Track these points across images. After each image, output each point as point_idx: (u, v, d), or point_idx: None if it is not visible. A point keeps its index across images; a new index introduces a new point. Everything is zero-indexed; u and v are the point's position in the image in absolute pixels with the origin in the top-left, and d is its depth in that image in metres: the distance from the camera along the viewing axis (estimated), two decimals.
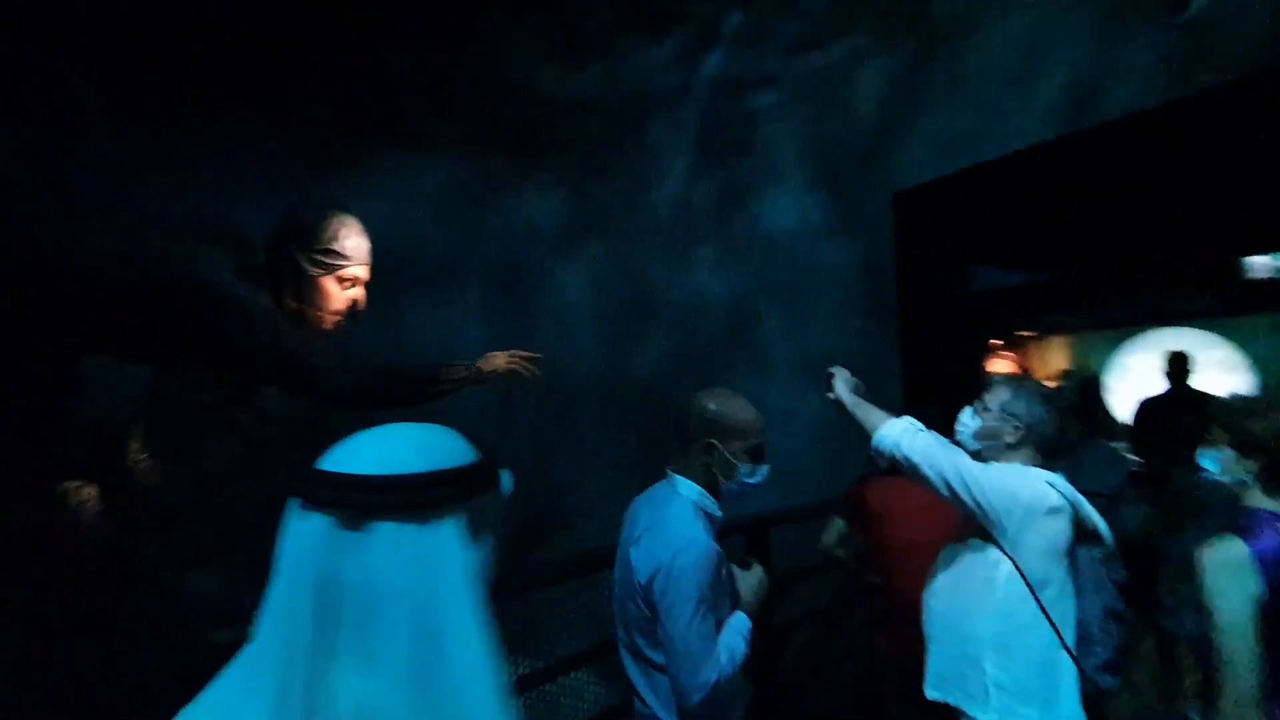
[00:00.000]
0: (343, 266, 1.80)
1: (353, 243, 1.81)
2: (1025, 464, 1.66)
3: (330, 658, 0.66)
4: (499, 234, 3.35)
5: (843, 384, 1.79)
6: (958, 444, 1.72)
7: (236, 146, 2.27)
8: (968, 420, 1.75)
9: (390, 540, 0.68)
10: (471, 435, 0.76)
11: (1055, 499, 1.57)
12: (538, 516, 3.13)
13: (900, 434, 1.68)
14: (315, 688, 0.65)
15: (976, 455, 1.70)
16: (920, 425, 1.72)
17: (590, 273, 3.55)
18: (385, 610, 0.67)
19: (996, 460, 1.69)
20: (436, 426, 0.76)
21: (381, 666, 0.66)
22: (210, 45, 2.52)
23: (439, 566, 0.68)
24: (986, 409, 1.72)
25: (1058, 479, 1.62)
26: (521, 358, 1.93)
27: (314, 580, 0.68)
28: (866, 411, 1.74)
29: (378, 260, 1.85)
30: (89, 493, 1.81)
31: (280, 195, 1.86)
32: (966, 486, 1.60)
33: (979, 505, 1.59)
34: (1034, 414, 1.68)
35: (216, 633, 2.33)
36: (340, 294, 1.82)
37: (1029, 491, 1.57)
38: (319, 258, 1.77)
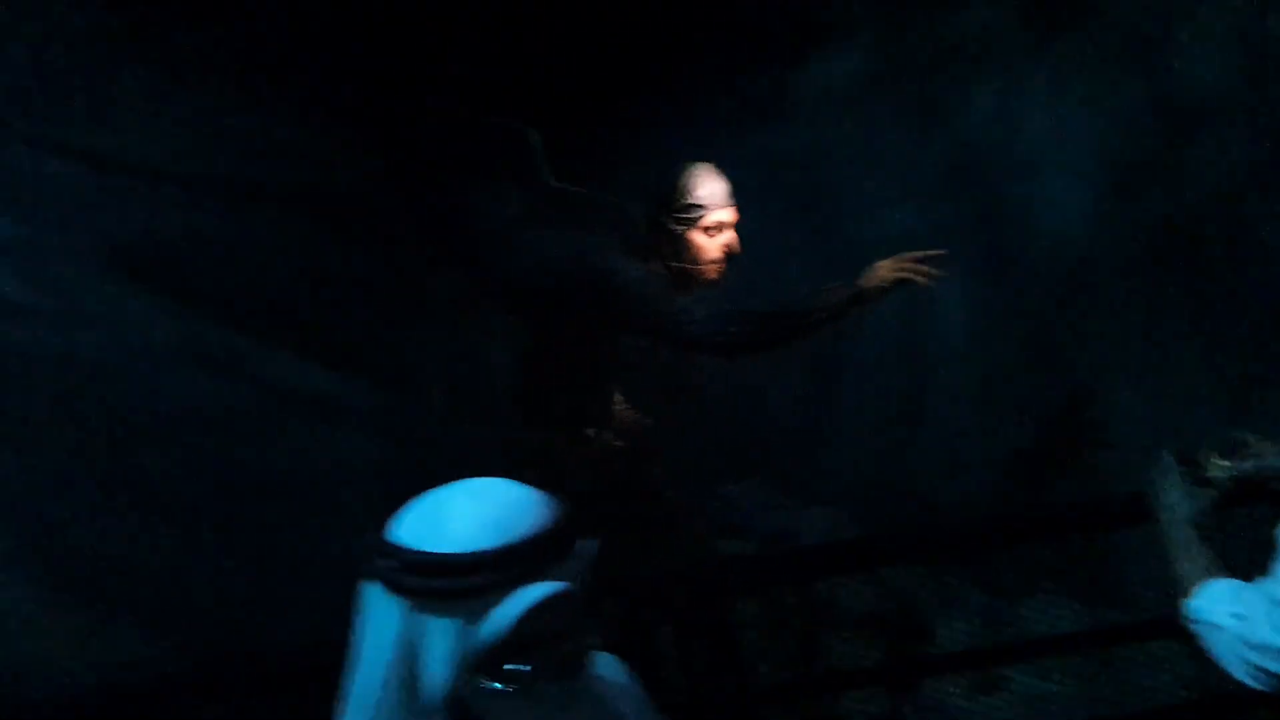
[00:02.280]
0: (703, 216, 1.79)
1: (706, 191, 1.78)
2: None
3: None
4: None
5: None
6: None
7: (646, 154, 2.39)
8: None
9: (410, 626, 0.66)
10: (547, 495, 0.70)
11: None
12: (1051, 436, 2.42)
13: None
14: None
15: None
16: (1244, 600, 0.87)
17: None
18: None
19: None
20: (509, 484, 0.70)
21: None
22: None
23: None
24: None
25: None
26: (912, 259, 1.58)
27: (397, 671, 0.67)
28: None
29: None
30: (602, 434, 2.28)
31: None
32: None
33: None
34: None
35: (719, 541, 2.72)
36: (711, 243, 1.82)
37: None
38: (679, 215, 1.80)
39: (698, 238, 1.81)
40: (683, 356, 2.07)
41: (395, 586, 0.66)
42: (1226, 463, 0.88)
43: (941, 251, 1.57)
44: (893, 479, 2.91)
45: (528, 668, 0.66)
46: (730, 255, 1.84)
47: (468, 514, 0.68)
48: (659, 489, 2.37)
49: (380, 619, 0.67)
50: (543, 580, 0.66)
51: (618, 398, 2.22)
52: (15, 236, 1.96)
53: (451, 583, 0.65)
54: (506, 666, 0.65)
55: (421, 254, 2.50)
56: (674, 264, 1.85)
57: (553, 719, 0.69)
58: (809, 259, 2.53)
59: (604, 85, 2.84)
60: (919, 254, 1.58)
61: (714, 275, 1.87)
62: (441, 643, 0.65)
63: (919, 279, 1.56)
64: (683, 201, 1.79)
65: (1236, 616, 0.89)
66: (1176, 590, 0.92)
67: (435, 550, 0.66)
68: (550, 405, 2.25)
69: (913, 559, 2.19)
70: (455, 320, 2.60)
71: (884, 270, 1.60)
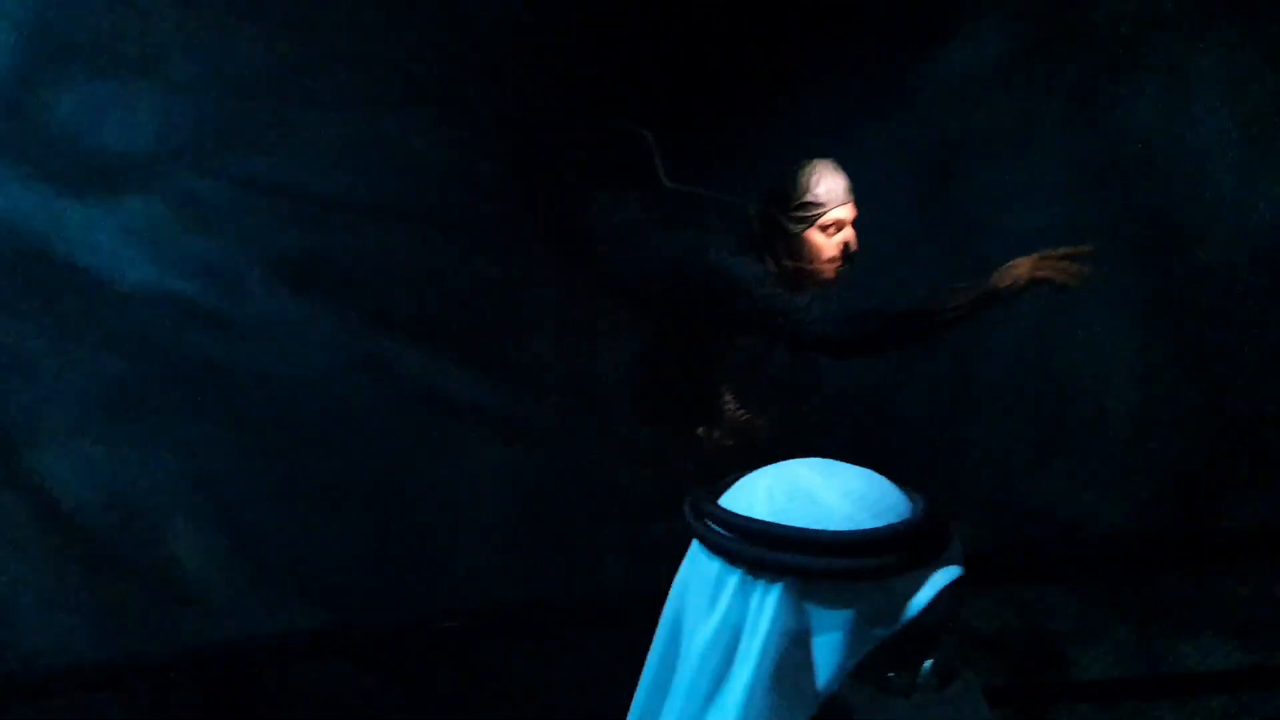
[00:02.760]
0: (820, 214, 1.74)
1: (824, 188, 1.73)
2: None
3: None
4: None
5: None
6: None
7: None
8: None
9: (793, 612, 0.57)
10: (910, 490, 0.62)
11: None
12: (1223, 457, 2.13)
13: None
14: None
15: None
16: None
17: None
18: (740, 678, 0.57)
19: None
20: (867, 472, 0.62)
21: None
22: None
23: (824, 646, 0.56)
24: None
25: None
26: (1055, 258, 1.47)
27: (684, 627, 0.61)
28: None
29: None
30: (713, 433, 2.28)
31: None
32: None
33: None
34: None
35: None
36: (829, 242, 1.77)
37: None
38: (796, 214, 1.76)
39: (815, 236, 1.77)
40: (799, 357, 2.02)
41: (768, 568, 0.57)
42: None
43: (1088, 249, 1.44)
44: (1025, 497, 2.71)
45: (928, 663, 0.59)
46: (849, 254, 1.78)
47: (839, 492, 0.59)
48: None
49: (737, 604, 0.58)
50: (929, 568, 0.57)
51: (729, 398, 2.21)
52: (202, 255, 2.23)
53: (855, 563, 0.56)
54: (889, 674, 0.59)
55: (545, 258, 2.59)
56: (790, 263, 1.82)
57: None
58: (938, 255, 2.39)
59: (727, 82, 2.82)
60: (1063, 250, 1.46)
61: (831, 274, 1.81)
62: (831, 631, 0.57)
63: (1064, 278, 1.44)
64: (800, 199, 1.75)
65: None
66: None
67: (820, 528, 0.57)
68: (663, 404, 2.28)
69: (1043, 577, 2.02)
70: (577, 322, 2.68)
71: (1022, 268, 1.49)
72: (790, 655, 0.57)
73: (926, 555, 0.58)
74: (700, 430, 2.26)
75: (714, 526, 0.60)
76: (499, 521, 2.55)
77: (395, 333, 2.50)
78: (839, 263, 1.80)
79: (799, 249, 1.79)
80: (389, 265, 2.47)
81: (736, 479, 0.65)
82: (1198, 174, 2.28)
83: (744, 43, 2.81)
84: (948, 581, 0.57)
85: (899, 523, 0.58)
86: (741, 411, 2.26)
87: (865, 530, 0.57)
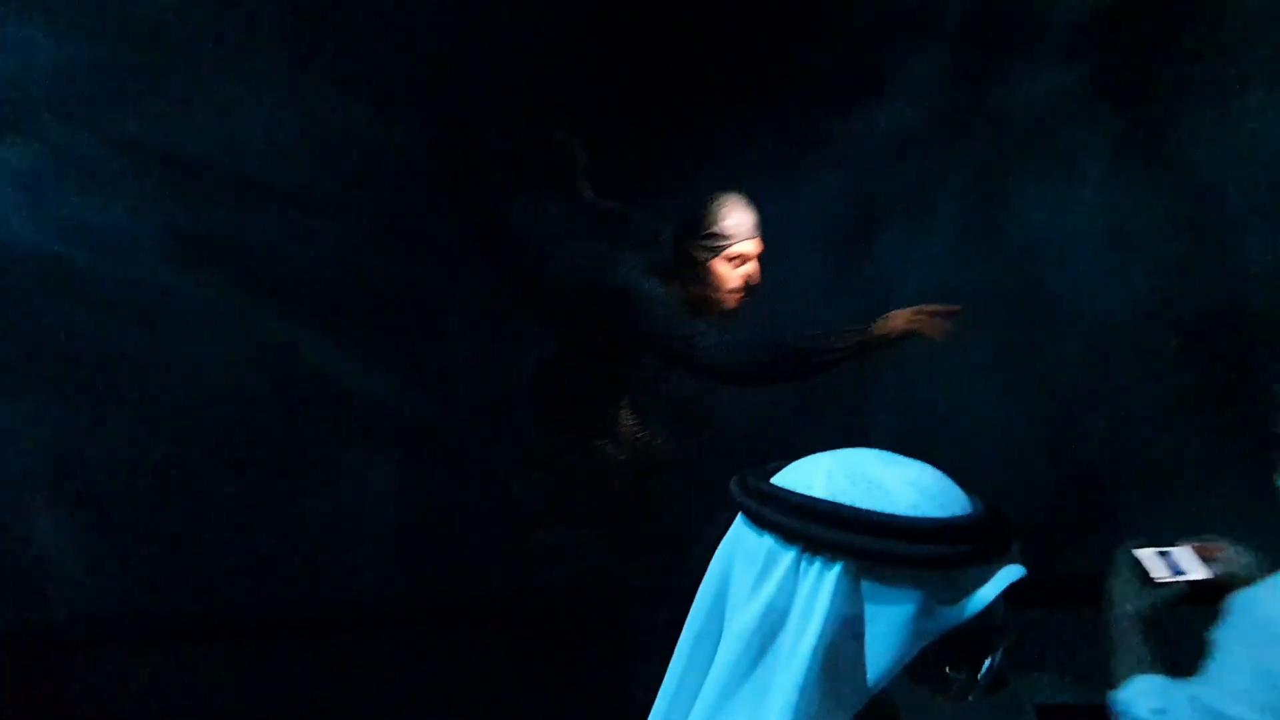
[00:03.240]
0: (727, 246, 1.82)
1: (732, 221, 1.81)
2: None
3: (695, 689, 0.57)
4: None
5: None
6: None
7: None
8: None
9: (850, 595, 0.53)
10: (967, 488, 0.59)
11: None
12: (1059, 513, 2.37)
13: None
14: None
15: None
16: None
17: None
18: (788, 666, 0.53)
19: None
20: (931, 466, 0.60)
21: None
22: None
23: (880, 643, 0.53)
24: None
25: None
26: (929, 313, 1.59)
27: (728, 605, 0.57)
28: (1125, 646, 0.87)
29: None
30: (609, 447, 2.31)
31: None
32: None
33: None
34: None
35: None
36: (733, 273, 1.85)
37: None
38: (704, 243, 1.83)
39: (720, 266, 1.85)
40: (697, 382, 2.10)
41: (828, 546, 0.54)
42: (1170, 574, 0.87)
43: (957, 308, 1.58)
44: None
45: (988, 660, 0.56)
46: (751, 286, 1.87)
47: (904, 480, 0.56)
48: (659, 508, 2.40)
49: (788, 583, 0.54)
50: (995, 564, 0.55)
51: (626, 414, 2.26)
52: (85, 219, 2.09)
53: (925, 549, 0.53)
54: (948, 671, 0.56)
55: (467, 260, 2.58)
56: (695, 289, 1.89)
57: None
58: (837, 302, 2.53)
59: (665, 110, 2.90)
60: (936, 307, 1.59)
61: (733, 304, 1.90)
62: (889, 620, 0.54)
63: (933, 332, 1.56)
64: (709, 229, 1.82)
65: (1156, 712, 0.88)
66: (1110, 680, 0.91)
67: (886, 511, 0.54)
68: (562, 413, 2.31)
69: None
70: (492, 327, 2.67)
71: (899, 319, 1.61)
72: (844, 643, 0.53)
73: (995, 551, 0.55)
74: (598, 443, 2.30)
75: (767, 503, 0.56)
76: (384, 521, 2.50)
77: (298, 325, 2.42)
78: (741, 294, 1.89)
79: (704, 276, 1.87)
80: (300, 254, 2.39)
81: (784, 464, 0.61)
82: (1071, 252, 2.52)
83: (688, 76, 2.91)
84: (1014, 579, 0.55)
85: (970, 514, 0.56)
86: (639, 429, 2.32)
87: (937, 519, 0.54)
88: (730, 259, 1.85)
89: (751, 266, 1.87)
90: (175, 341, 2.22)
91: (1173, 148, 2.35)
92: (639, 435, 2.32)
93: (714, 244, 1.84)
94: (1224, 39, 2.19)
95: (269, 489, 2.36)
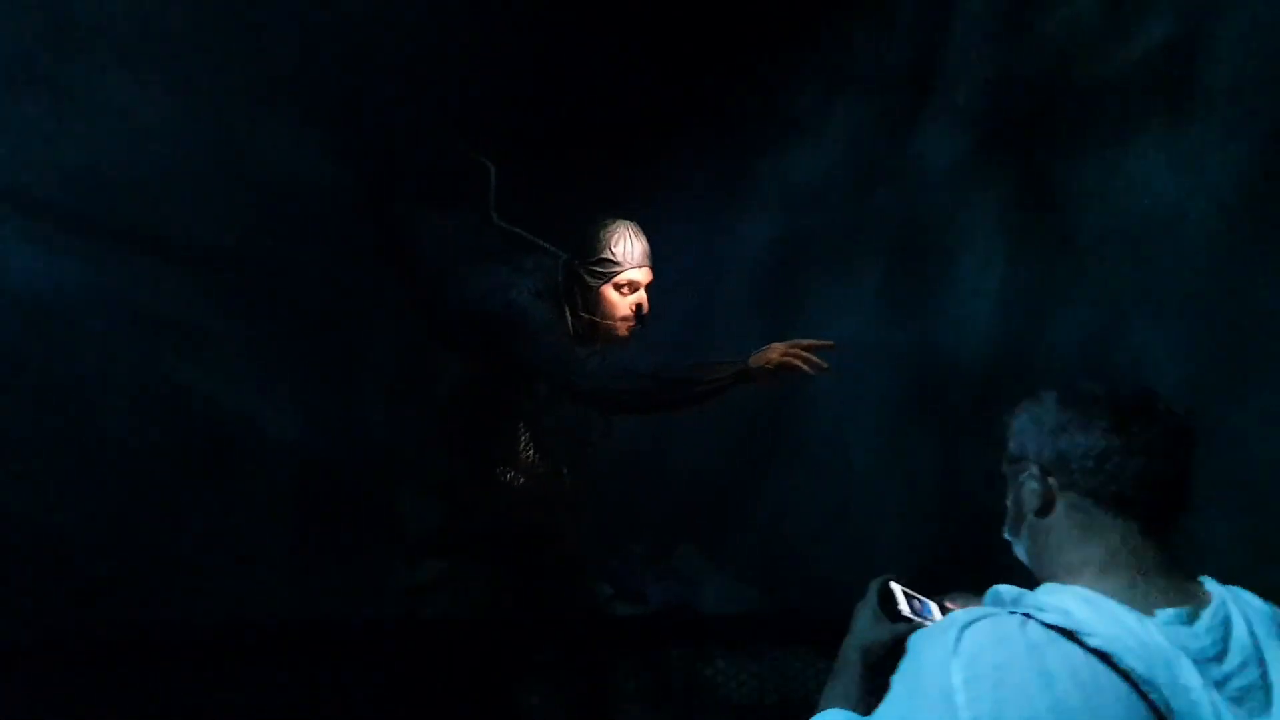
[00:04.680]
0: (616, 273, 1.81)
1: (622, 248, 1.80)
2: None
3: None
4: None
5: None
6: None
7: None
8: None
9: None
10: None
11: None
12: (958, 549, 2.36)
13: None
14: None
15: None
16: None
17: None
18: None
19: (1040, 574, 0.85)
20: None
21: None
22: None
23: None
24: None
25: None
26: (803, 348, 1.59)
27: None
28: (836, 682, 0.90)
29: None
30: (509, 474, 2.25)
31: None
32: None
33: None
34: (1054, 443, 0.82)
35: (615, 603, 2.67)
36: (622, 300, 1.84)
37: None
38: (594, 268, 1.82)
39: (610, 293, 1.83)
40: (581, 409, 2.06)
41: None
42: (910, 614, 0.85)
43: (830, 344, 1.58)
44: (813, 567, 2.85)
45: None
46: (641, 315, 1.85)
47: None
48: (561, 538, 2.34)
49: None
50: None
51: (525, 441, 2.21)
52: None
53: None
54: None
55: (376, 276, 2.54)
56: (585, 315, 1.87)
57: None
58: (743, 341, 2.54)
59: (585, 139, 2.92)
60: (809, 342, 1.58)
61: (623, 333, 1.88)
62: None
63: (804, 367, 1.56)
64: (599, 255, 1.81)
65: None
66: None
67: None
68: (462, 439, 2.25)
69: (797, 642, 2.13)
70: (402, 347, 2.63)
71: (774, 353, 1.61)
72: None
73: None
74: (499, 469, 2.25)
75: None
76: (270, 544, 2.40)
77: (198, 343, 2.33)
78: (632, 323, 1.87)
79: (594, 303, 1.85)
80: (207, 266, 2.33)
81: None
82: (972, 304, 2.56)
83: (613, 107, 2.94)
84: None
85: None
86: (537, 456, 2.27)
87: None
88: (619, 286, 1.83)
89: (641, 295, 1.86)
90: (58, 358, 2.11)
91: (1062, 203, 2.42)
92: (537, 465, 2.27)
93: (604, 270, 1.82)
94: (1111, 101, 2.27)
95: (152, 512, 2.25)
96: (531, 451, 2.24)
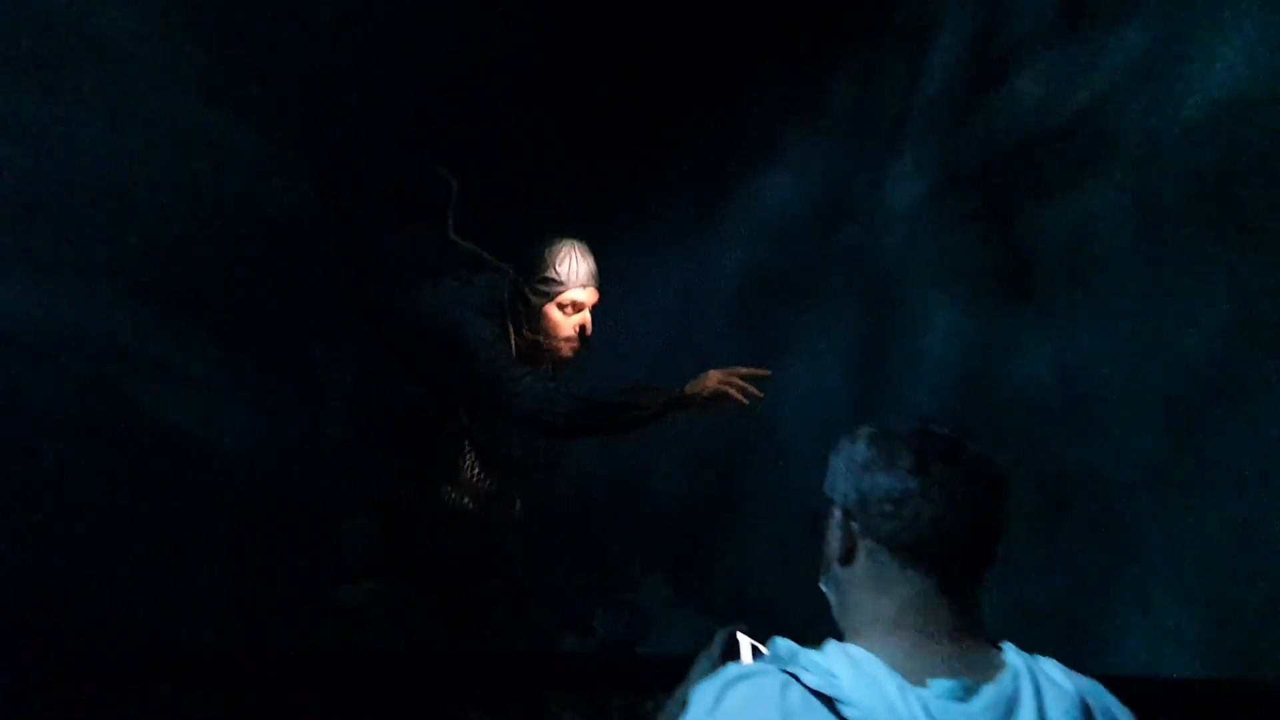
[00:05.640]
0: (559, 292, 1.78)
1: (565, 267, 1.77)
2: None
3: None
4: None
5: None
6: None
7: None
8: None
9: None
10: None
11: None
12: None
13: None
14: None
15: None
16: None
17: None
18: None
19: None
20: None
21: None
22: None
23: None
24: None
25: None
26: (740, 376, 1.54)
27: None
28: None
29: None
30: (454, 494, 2.19)
31: None
32: None
33: None
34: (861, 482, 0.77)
35: (559, 634, 2.58)
36: (565, 320, 1.80)
37: None
38: (538, 286, 1.79)
39: (553, 312, 1.80)
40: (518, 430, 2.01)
41: None
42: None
43: (766, 373, 1.54)
44: (772, 606, 2.77)
45: None
46: (585, 337, 1.82)
47: None
48: (507, 563, 2.28)
49: None
50: None
51: (469, 461, 2.16)
52: None
53: None
54: None
55: (334, 290, 2.50)
56: (529, 334, 1.83)
57: None
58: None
59: (555, 162, 2.90)
60: (745, 370, 1.54)
61: (567, 354, 1.84)
62: None
63: (737, 396, 1.52)
64: (542, 273, 1.78)
65: None
66: None
67: None
68: (402, 453, 2.20)
69: None
70: (356, 362, 2.58)
71: (709, 381, 1.57)
72: None
73: None
74: (445, 489, 2.19)
75: None
76: (214, 563, 2.31)
77: (149, 359, 2.26)
78: (575, 344, 1.83)
79: (537, 322, 1.82)
80: (163, 283, 2.27)
81: None
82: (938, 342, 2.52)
83: (585, 131, 2.94)
84: None
85: None
86: (483, 478, 2.21)
87: None
88: (562, 306, 1.80)
89: (584, 316, 1.82)
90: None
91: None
92: (484, 487, 2.21)
93: (547, 289, 1.79)
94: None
95: (96, 529, 2.16)
96: (477, 472, 2.18)
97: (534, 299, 1.80)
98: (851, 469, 0.76)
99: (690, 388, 1.59)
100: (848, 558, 0.76)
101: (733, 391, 1.54)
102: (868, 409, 2.65)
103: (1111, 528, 1.85)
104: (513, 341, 1.83)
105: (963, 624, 0.70)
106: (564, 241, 1.81)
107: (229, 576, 2.36)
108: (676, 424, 1.69)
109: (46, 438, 2.13)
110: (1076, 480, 1.97)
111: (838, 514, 0.77)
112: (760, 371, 1.56)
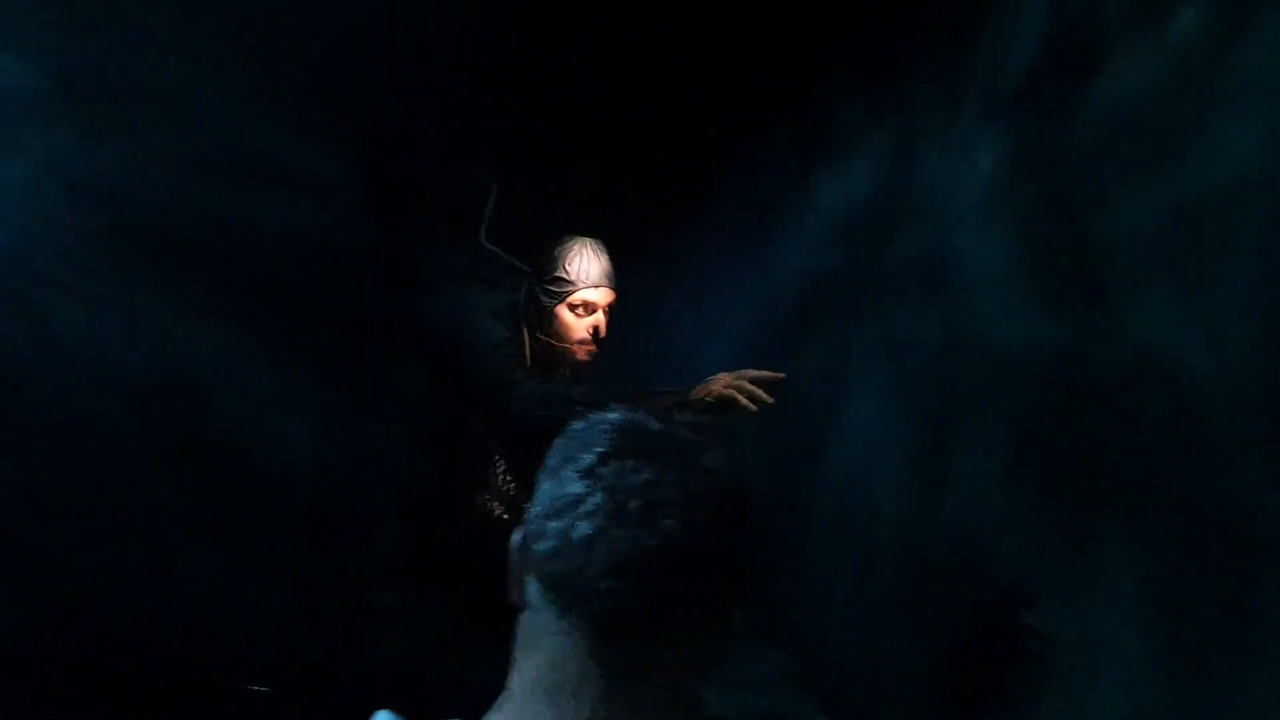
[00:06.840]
0: (570, 292, 1.71)
1: (576, 266, 1.70)
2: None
3: None
4: None
5: None
6: None
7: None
8: None
9: None
10: None
11: None
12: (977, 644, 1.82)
13: None
14: None
15: None
16: None
17: None
18: None
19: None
20: None
21: None
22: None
23: None
24: None
25: None
26: (748, 379, 1.42)
27: None
28: None
29: None
30: (485, 499, 2.16)
31: None
32: None
33: None
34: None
35: None
36: (577, 322, 1.73)
37: None
38: (549, 287, 1.73)
39: (564, 314, 1.73)
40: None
41: None
42: None
43: (780, 375, 1.40)
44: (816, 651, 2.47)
45: None
46: (599, 339, 1.73)
47: None
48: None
49: None
50: None
51: (499, 469, 2.12)
52: None
53: None
54: None
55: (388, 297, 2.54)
56: (543, 337, 1.77)
57: None
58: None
59: (607, 170, 2.85)
60: (755, 374, 1.41)
61: (582, 357, 1.77)
62: None
63: (743, 400, 1.38)
64: (553, 273, 1.72)
65: None
66: None
67: None
68: (439, 459, 2.19)
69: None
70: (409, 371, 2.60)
71: (716, 385, 1.45)
72: None
73: None
74: (477, 497, 2.17)
75: None
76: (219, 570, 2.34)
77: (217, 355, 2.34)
78: (590, 346, 1.75)
79: (549, 324, 1.76)
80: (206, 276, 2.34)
81: None
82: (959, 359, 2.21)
83: (636, 132, 2.87)
84: None
85: None
86: (511, 483, 2.17)
87: None
88: (574, 307, 1.72)
89: (598, 317, 1.74)
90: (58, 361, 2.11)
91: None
92: (519, 496, 2.17)
93: (558, 289, 1.73)
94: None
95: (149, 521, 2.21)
96: (509, 479, 2.14)
97: (545, 300, 1.74)
98: (543, 475, 0.58)
99: (696, 391, 1.47)
100: (517, 595, 0.57)
101: (740, 397, 1.41)
102: (934, 422, 2.37)
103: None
104: (527, 345, 1.77)
105: (632, 693, 0.48)
106: (575, 240, 1.75)
107: (277, 585, 2.41)
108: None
109: (116, 446, 2.24)
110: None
111: (516, 536, 0.59)
112: (774, 375, 1.41)
